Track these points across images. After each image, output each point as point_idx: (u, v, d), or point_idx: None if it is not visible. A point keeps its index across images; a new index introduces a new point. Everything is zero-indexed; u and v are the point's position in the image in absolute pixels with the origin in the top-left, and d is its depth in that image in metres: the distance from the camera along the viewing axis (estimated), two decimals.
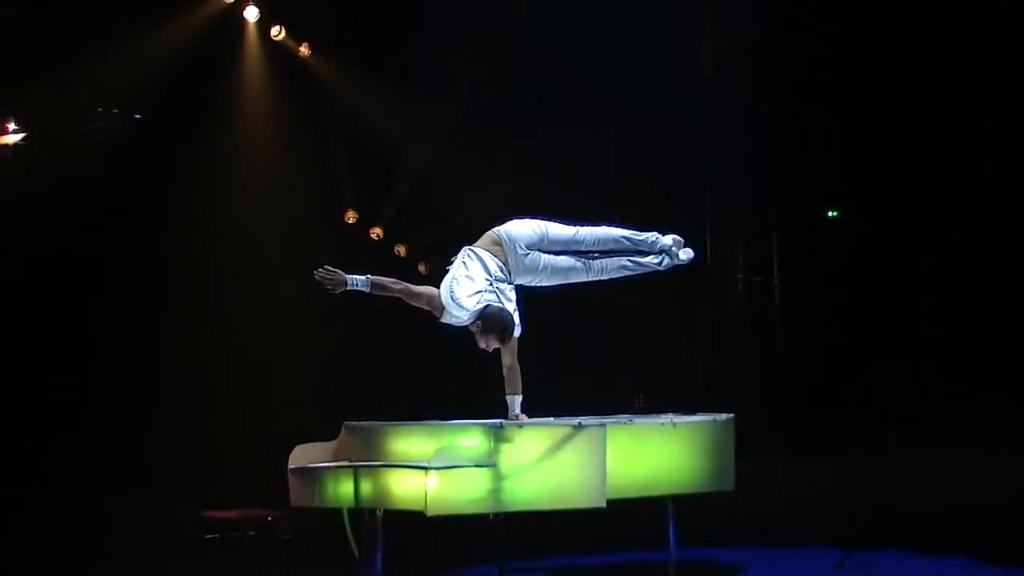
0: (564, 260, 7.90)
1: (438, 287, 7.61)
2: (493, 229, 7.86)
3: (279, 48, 12.13)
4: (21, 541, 9.96)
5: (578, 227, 7.96)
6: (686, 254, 8.14)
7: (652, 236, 8.08)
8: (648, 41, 12.44)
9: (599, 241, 7.96)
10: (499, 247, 7.77)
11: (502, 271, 7.71)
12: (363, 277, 7.43)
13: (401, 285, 7.57)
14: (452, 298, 7.50)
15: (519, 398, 7.64)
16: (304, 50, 12.22)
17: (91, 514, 10.50)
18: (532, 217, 7.94)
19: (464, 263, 7.64)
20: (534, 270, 7.83)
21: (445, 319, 7.59)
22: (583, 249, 7.95)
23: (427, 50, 12.21)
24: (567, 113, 12.51)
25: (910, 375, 12.40)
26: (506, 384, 7.65)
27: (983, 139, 12.25)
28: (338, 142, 12.60)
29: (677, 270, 8.27)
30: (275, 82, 12.16)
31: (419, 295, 7.57)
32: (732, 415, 8.18)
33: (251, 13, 11.72)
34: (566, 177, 11.88)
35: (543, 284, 7.94)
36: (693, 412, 8.15)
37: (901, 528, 9.93)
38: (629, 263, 8.04)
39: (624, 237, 8.02)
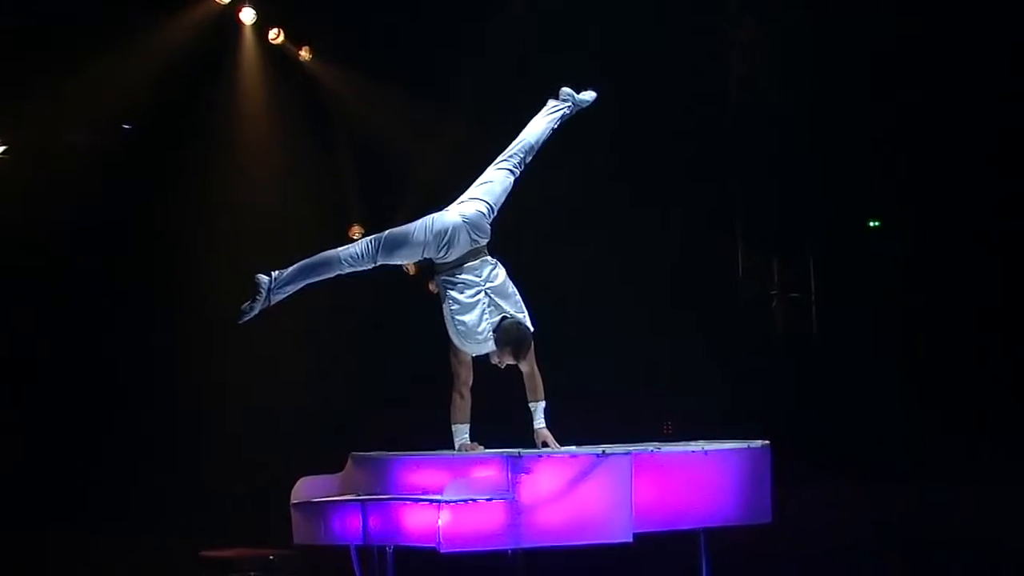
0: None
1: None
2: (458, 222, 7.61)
3: (278, 52, 12.12)
4: None
5: (505, 164, 7.92)
6: (588, 95, 8.26)
7: (562, 99, 8.15)
8: (675, 45, 12.47)
9: (531, 149, 8.00)
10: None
11: (483, 263, 7.51)
12: (465, 433, 7.44)
13: (463, 386, 7.50)
14: (467, 338, 7.41)
15: (542, 404, 7.57)
16: (304, 54, 12.20)
17: (89, 553, 10.45)
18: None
19: (450, 297, 7.47)
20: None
21: (480, 354, 7.48)
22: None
23: (434, 54, 12.19)
24: (587, 123, 12.39)
25: (957, 398, 12.22)
26: (528, 392, 7.58)
27: None
28: (342, 151, 12.55)
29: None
30: (274, 88, 12.13)
31: (465, 372, 7.50)
32: (768, 442, 8.00)
33: (247, 15, 11.72)
34: (588, 190, 11.69)
35: None
36: (726, 439, 8.01)
37: (941, 558, 9.92)
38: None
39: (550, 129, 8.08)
